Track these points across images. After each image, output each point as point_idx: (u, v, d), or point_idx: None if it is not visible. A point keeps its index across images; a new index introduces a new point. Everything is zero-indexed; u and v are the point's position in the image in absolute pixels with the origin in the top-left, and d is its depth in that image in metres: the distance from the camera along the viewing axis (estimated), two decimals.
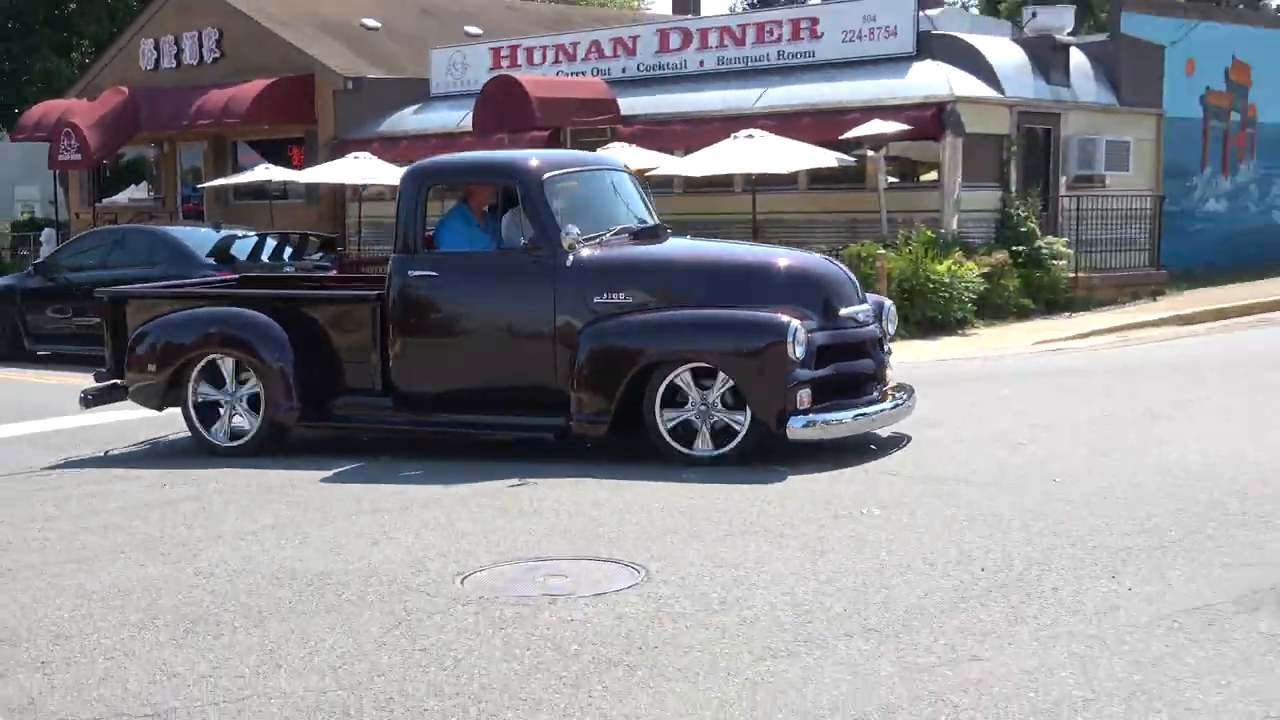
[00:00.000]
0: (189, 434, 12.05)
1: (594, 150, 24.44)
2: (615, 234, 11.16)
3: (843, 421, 10.25)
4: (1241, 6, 56.04)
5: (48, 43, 39.40)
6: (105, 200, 34.84)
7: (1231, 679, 5.54)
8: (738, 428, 10.02)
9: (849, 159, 22.43)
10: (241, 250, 20.04)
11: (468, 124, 26.77)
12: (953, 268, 20.89)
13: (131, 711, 5.55)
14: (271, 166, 28.81)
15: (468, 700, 5.54)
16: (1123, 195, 25.18)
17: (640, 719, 5.31)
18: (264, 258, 19.97)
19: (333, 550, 8.08)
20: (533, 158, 12.07)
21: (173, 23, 33.65)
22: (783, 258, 11.88)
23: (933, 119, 22.89)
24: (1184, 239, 26.21)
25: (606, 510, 8.92)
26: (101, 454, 11.97)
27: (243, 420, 11.25)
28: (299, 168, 28.78)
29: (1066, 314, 22.12)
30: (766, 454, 10.25)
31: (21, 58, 39.07)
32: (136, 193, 35.30)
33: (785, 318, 9.94)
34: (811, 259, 11.62)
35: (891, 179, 23.48)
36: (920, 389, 11.93)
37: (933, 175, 23.89)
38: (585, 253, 10.70)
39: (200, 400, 11.27)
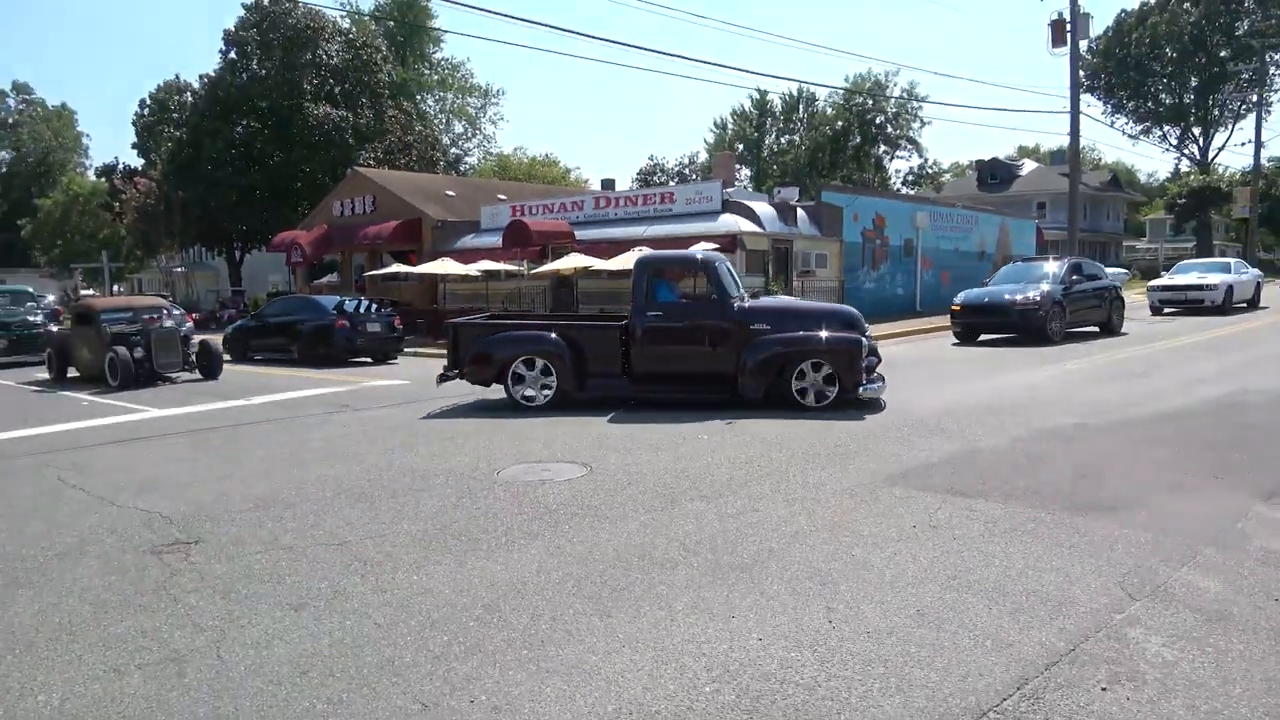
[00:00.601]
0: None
1: (560, 256, 24.40)
2: (748, 294, 11.17)
3: (874, 389, 10.18)
4: (879, 187, 56.77)
5: (286, 204, 38.92)
6: (314, 281, 34.19)
7: (880, 518, 5.55)
8: (831, 392, 10.02)
9: None
10: (349, 306, 19.51)
11: (498, 243, 26.55)
12: None
13: (327, 541, 5.40)
14: (400, 265, 28.50)
15: (500, 534, 5.45)
16: (824, 280, 25.48)
17: (587, 541, 5.23)
18: (360, 310, 19.47)
19: (429, 457, 7.91)
20: (701, 254, 11.92)
21: (348, 193, 33.25)
22: (839, 306, 12.06)
23: (731, 242, 22.98)
24: (855, 301, 26.25)
25: (570, 436, 8.79)
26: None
27: (541, 391, 10.68)
28: (414, 265, 28.39)
29: None
30: (631, 408, 10.21)
31: (275, 211, 38.64)
32: (332, 279, 34.66)
33: (859, 335, 10.28)
34: (849, 308, 11.59)
35: None
36: None
37: None
38: (744, 303, 10.69)
39: (515, 380, 10.73)
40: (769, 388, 10.18)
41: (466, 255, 27.88)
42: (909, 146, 65.21)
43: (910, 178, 66.90)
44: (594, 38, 77.44)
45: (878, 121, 63.92)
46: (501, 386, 10.91)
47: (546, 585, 4.54)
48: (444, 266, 26.55)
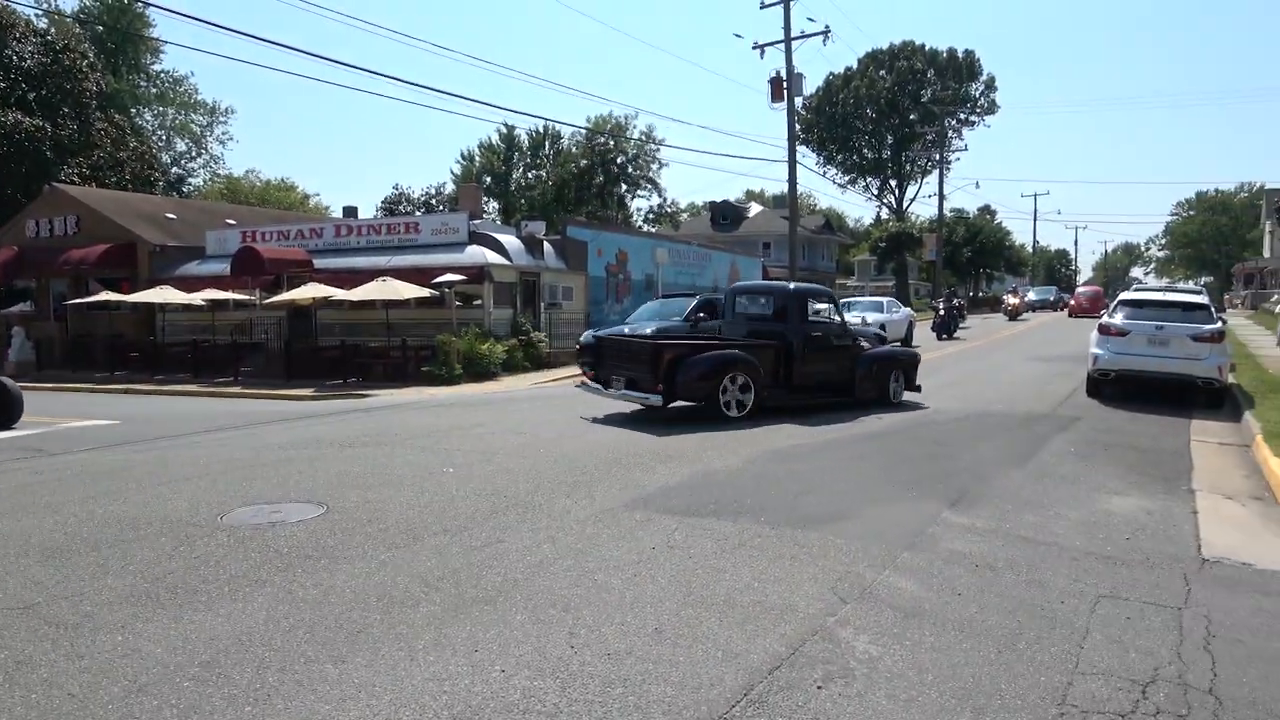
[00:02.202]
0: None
1: (296, 285, 23.06)
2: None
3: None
4: (622, 223, 58.86)
5: None
6: (2, 311, 29.68)
7: (622, 543, 5.68)
8: (902, 391, 13.02)
9: (436, 293, 21.97)
10: None
11: (226, 271, 24.60)
12: (490, 347, 20.75)
13: (10, 605, 4.68)
14: (109, 293, 25.60)
15: (224, 583, 5.01)
16: (571, 312, 25.90)
17: (324, 586, 4.93)
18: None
19: (142, 505, 7.09)
20: (819, 288, 13.82)
21: (46, 212, 29.21)
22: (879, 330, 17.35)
23: (479, 273, 22.76)
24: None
25: (304, 470, 8.23)
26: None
27: (741, 399, 11.31)
28: (127, 294, 25.65)
29: (547, 369, 22.32)
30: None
31: None
32: (24, 307, 30.04)
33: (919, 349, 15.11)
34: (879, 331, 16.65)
35: (458, 303, 23.15)
36: (475, 408, 11.75)
37: (479, 301, 23.63)
38: (852, 325, 13.86)
39: (722, 392, 11.09)
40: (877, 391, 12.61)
41: (190, 283, 25.61)
42: (649, 186, 68.22)
43: (651, 215, 69.99)
44: (330, 60, 74.63)
45: (619, 161, 66.37)
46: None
47: (275, 634, 4.22)
48: (163, 295, 24.23)
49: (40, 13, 45.84)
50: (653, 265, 31.14)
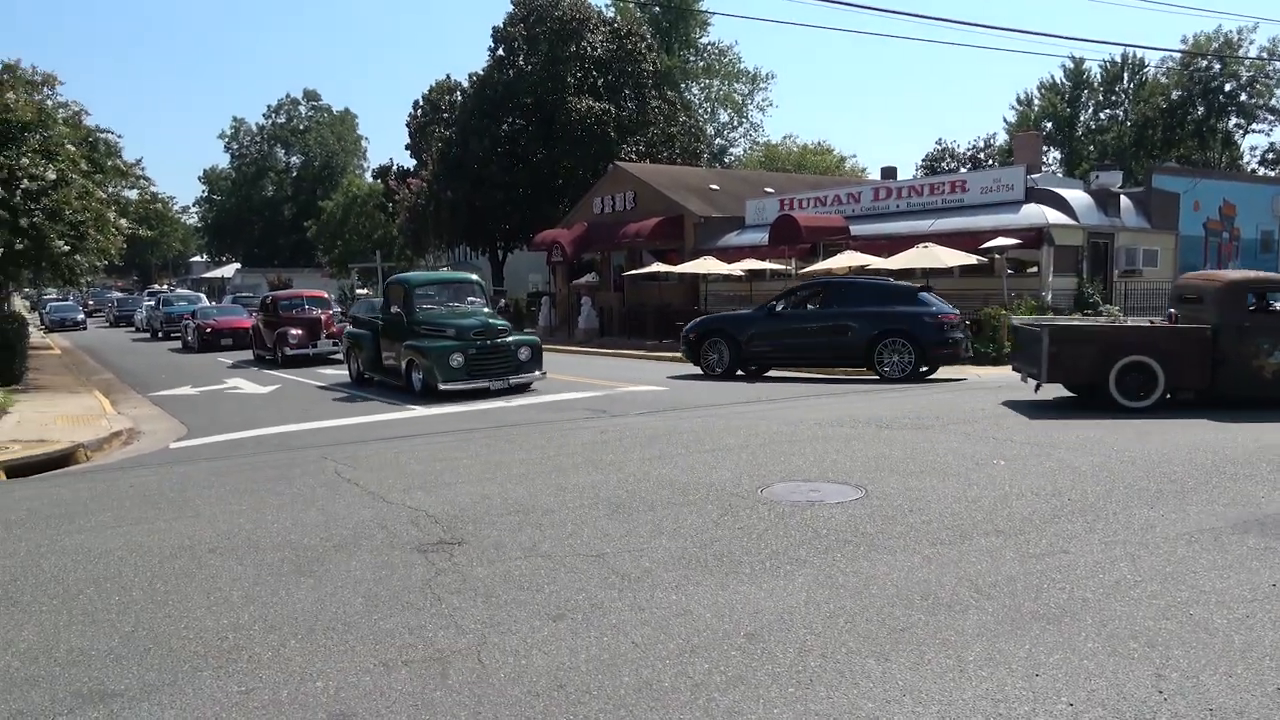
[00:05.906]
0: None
1: (832, 254, 24.00)
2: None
3: None
4: (1226, 168, 51.03)
5: (547, 201, 40.96)
6: (574, 282, 35.74)
7: (1228, 573, 4.99)
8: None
9: (984, 259, 21.34)
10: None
11: (764, 240, 26.65)
12: None
13: (584, 552, 5.64)
14: (660, 264, 29.33)
15: (765, 557, 5.45)
16: (1154, 281, 23.19)
17: (864, 575, 5.07)
18: None
19: (695, 469, 8.03)
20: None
21: (609, 189, 34.57)
22: None
23: (1036, 236, 21.59)
24: None
25: (840, 449, 8.58)
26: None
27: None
28: (674, 265, 29.14)
29: None
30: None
31: (536, 209, 40.82)
32: (590, 279, 35.84)
33: None
34: None
35: (1010, 271, 22.13)
36: (1028, 390, 11.16)
37: (1034, 269, 22.41)
38: None
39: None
40: None
41: (730, 253, 28.24)
42: (1269, 117, 58.10)
43: (1271, 156, 59.55)
44: (874, 9, 75.69)
45: (1227, 88, 57.51)
46: None
47: (816, 618, 4.48)
48: (705, 266, 27.05)
49: (609, 2, 53.97)
50: (1272, 219, 26.59)
